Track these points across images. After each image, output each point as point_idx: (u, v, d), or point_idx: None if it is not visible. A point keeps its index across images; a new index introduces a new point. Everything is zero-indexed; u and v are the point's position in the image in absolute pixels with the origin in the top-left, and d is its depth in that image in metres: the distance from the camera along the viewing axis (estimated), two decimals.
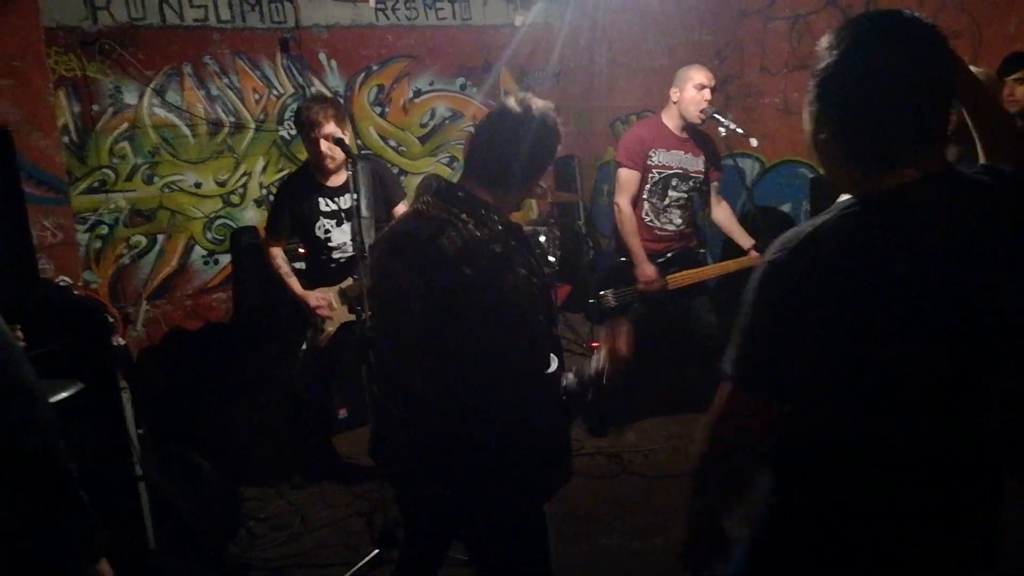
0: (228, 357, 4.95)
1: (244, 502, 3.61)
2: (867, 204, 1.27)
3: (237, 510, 3.47)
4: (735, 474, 1.41)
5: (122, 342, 3.18)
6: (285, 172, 5.54)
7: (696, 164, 4.09)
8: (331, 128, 3.42)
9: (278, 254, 3.71)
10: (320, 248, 3.67)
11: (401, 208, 3.77)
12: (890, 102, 1.24)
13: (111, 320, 3.04)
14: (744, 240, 4.13)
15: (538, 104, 2.00)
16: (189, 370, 5.00)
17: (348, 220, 3.61)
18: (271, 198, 5.54)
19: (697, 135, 4.11)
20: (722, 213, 4.25)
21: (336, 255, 3.68)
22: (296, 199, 3.64)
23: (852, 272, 1.22)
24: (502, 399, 1.82)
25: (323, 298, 3.63)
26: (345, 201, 3.61)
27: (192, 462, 3.36)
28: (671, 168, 4.06)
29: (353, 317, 3.61)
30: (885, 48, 1.24)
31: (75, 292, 3.64)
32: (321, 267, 3.69)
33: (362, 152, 3.15)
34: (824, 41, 1.33)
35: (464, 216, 1.86)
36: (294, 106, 5.54)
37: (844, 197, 1.35)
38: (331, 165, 3.55)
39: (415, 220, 1.92)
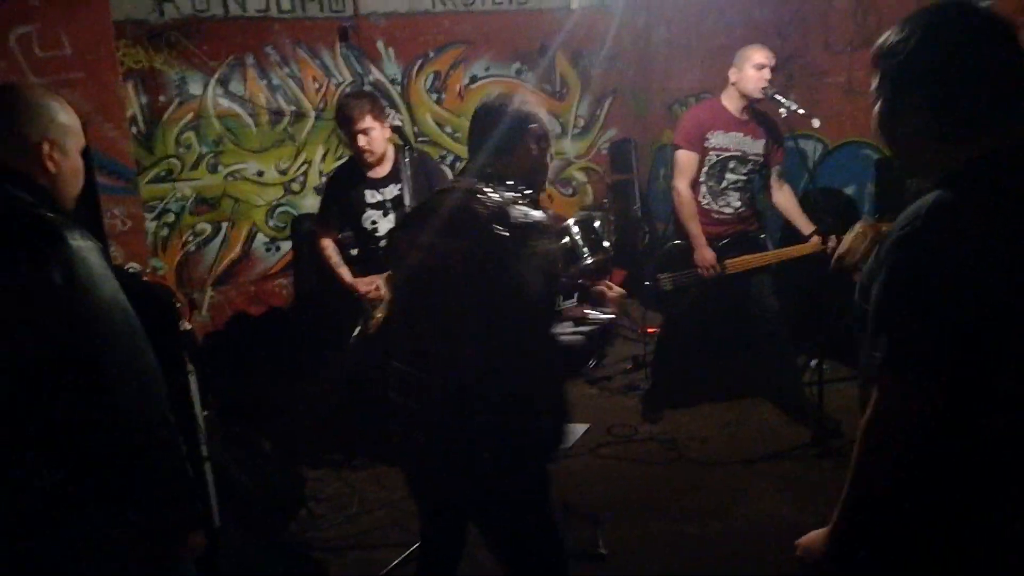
0: (289, 341, 5.07)
1: (305, 482, 3.70)
2: (976, 170, 1.31)
3: (298, 490, 3.56)
4: (901, 466, 1.33)
5: (188, 327, 3.28)
6: (346, 159, 5.64)
7: (756, 147, 4.00)
8: (367, 123, 3.54)
9: (329, 245, 3.83)
10: (368, 238, 3.75)
11: None
12: (983, 74, 1.32)
13: (179, 305, 3.15)
14: (805, 226, 4.03)
15: (517, 97, 2.09)
16: (252, 354, 5.14)
17: (395, 210, 3.70)
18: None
19: (759, 117, 4.02)
20: (783, 197, 4.16)
21: (383, 245, 3.75)
22: (343, 191, 3.74)
23: (989, 236, 1.25)
24: (532, 366, 1.87)
25: (372, 282, 3.71)
26: (390, 191, 3.69)
27: (255, 443, 3.46)
28: (729, 150, 3.99)
29: None
30: (963, 28, 1.35)
31: (144, 278, 3.77)
32: (371, 256, 3.76)
33: (406, 146, 3.26)
34: (895, 34, 1.40)
35: (487, 187, 1.94)
36: None
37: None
38: (370, 159, 3.64)
39: (442, 195, 2.03)
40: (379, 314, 3.73)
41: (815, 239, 3.93)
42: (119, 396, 1.57)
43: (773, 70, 3.88)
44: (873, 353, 1.31)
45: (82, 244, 1.59)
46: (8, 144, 1.64)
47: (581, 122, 6.59)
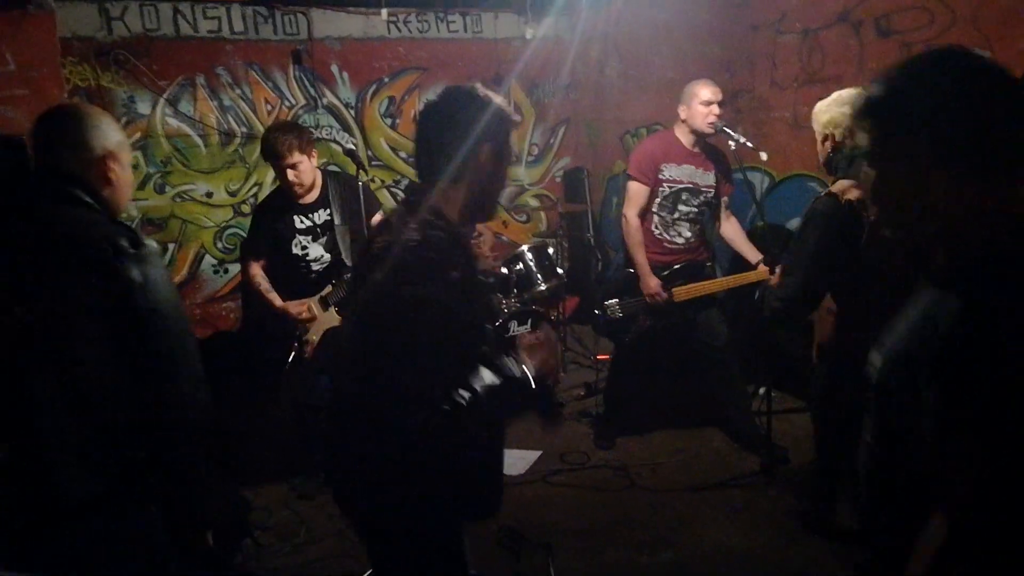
0: (236, 366, 4.96)
1: (250, 511, 3.61)
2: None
3: (243, 519, 3.47)
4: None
5: None
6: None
7: (707, 179, 4.09)
8: (295, 158, 3.59)
9: (258, 272, 3.83)
10: (298, 263, 3.79)
11: (378, 218, 3.88)
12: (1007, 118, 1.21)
13: None
14: (752, 255, 4.12)
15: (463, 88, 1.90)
16: None
17: (323, 235, 3.76)
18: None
19: (709, 149, 4.11)
20: (731, 228, 4.25)
21: (315, 267, 3.80)
22: (272, 219, 3.77)
23: None
24: (428, 407, 1.63)
25: (303, 305, 3.76)
26: (319, 216, 3.76)
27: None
28: (682, 183, 4.06)
29: (335, 322, 3.76)
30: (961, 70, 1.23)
31: None
32: (301, 280, 3.80)
33: (329, 167, 3.28)
34: (897, 84, 1.26)
35: (407, 219, 1.74)
36: (305, 117, 5.57)
37: None
38: (300, 191, 3.69)
39: (376, 229, 1.95)
40: (314, 337, 3.77)
41: (762, 267, 4.02)
42: (183, 383, 1.71)
43: (721, 104, 3.97)
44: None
45: (153, 248, 1.74)
46: (77, 156, 1.79)
47: (535, 150, 6.66)
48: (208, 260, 5.40)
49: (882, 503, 1.36)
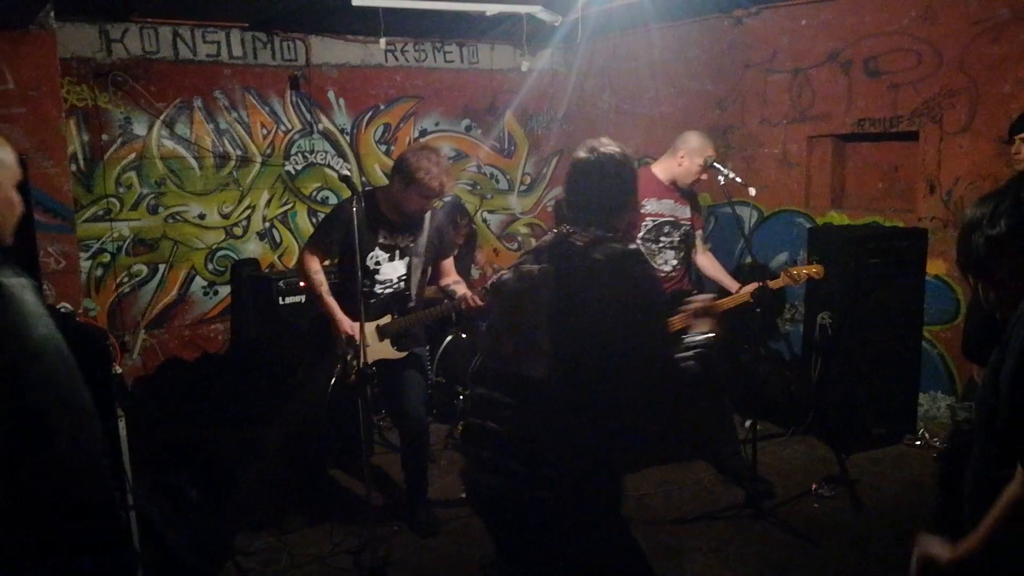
0: (224, 388, 4.95)
1: (233, 535, 3.58)
2: None
3: (226, 543, 3.44)
4: None
5: (118, 370, 3.19)
6: (291, 206, 5.62)
7: (684, 212, 4.17)
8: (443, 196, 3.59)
9: (319, 269, 3.61)
10: (364, 278, 3.47)
11: (449, 264, 3.83)
12: None
13: (110, 347, 3.06)
14: (730, 284, 4.17)
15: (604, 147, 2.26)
16: (184, 400, 5.00)
17: (401, 258, 3.62)
18: (274, 231, 5.60)
19: (682, 187, 4.22)
20: (706, 259, 4.32)
21: (378, 289, 3.63)
22: (358, 223, 3.41)
23: None
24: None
25: (355, 328, 3.43)
26: (404, 240, 3.62)
27: (183, 492, 3.34)
28: (663, 215, 4.14)
29: (388, 354, 3.60)
30: None
31: (77, 319, 3.66)
32: (358, 294, 3.45)
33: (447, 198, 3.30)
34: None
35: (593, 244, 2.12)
36: (301, 141, 5.62)
37: None
38: (414, 216, 3.61)
39: (577, 250, 2.16)
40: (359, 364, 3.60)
41: (744, 290, 4.04)
42: (54, 437, 1.52)
43: (707, 170, 4.11)
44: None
45: (13, 281, 1.54)
46: None
47: (528, 179, 6.72)
48: (198, 281, 5.40)
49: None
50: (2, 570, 1.54)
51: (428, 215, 3.66)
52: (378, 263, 3.62)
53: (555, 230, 2.26)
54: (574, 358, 2.00)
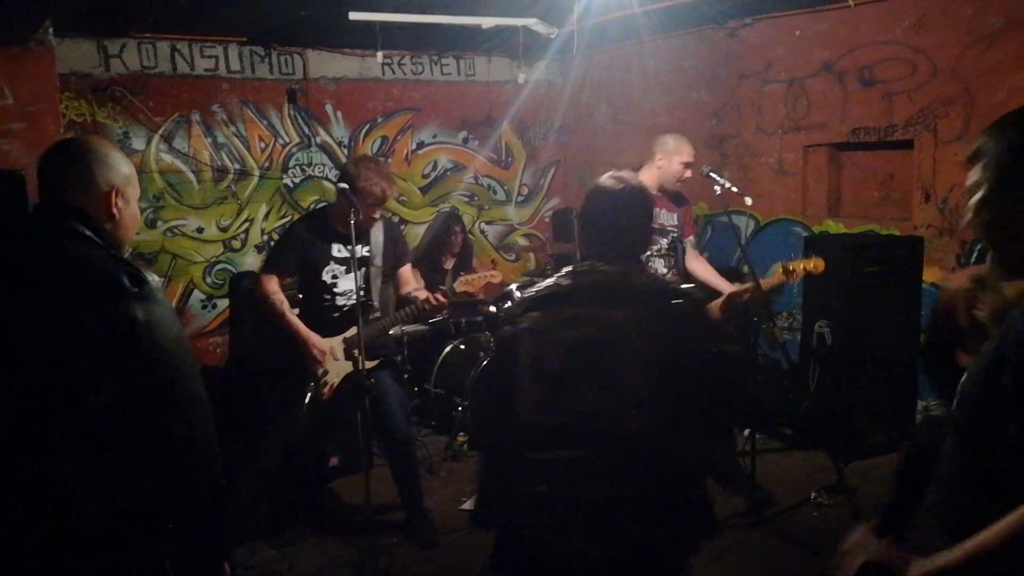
0: (222, 401, 4.93)
1: (232, 549, 3.57)
2: None
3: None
4: None
5: None
6: (288, 219, 5.63)
7: (671, 219, 4.20)
8: (388, 203, 3.61)
9: (277, 289, 3.64)
10: (323, 292, 3.65)
11: (407, 272, 3.86)
12: None
13: None
14: (724, 285, 4.18)
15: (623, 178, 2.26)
16: None
17: (359, 268, 3.60)
18: (272, 244, 5.61)
19: (670, 193, 4.24)
20: (699, 265, 4.34)
21: (340, 301, 3.66)
22: (309, 240, 3.64)
23: None
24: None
25: (323, 344, 3.58)
26: (359, 251, 3.62)
27: None
28: None
29: (349, 369, 3.62)
30: None
31: None
32: (323, 313, 3.66)
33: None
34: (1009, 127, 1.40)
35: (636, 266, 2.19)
36: (299, 155, 5.64)
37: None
38: (370, 226, 3.65)
39: (590, 275, 2.14)
40: (333, 380, 3.62)
41: (734, 287, 4.04)
42: (184, 427, 1.68)
43: (690, 167, 4.13)
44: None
45: (155, 284, 1.71)
46: (82, 190, 1.76)
47: (525, 190, 6.74)
48: (197, 295, 5.41)
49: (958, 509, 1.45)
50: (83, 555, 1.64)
51: (380, 224, 3.72)
52: (335, 276, 3.66)
53: (578, 265, 2.18)
54: (673, 407, 1.94)
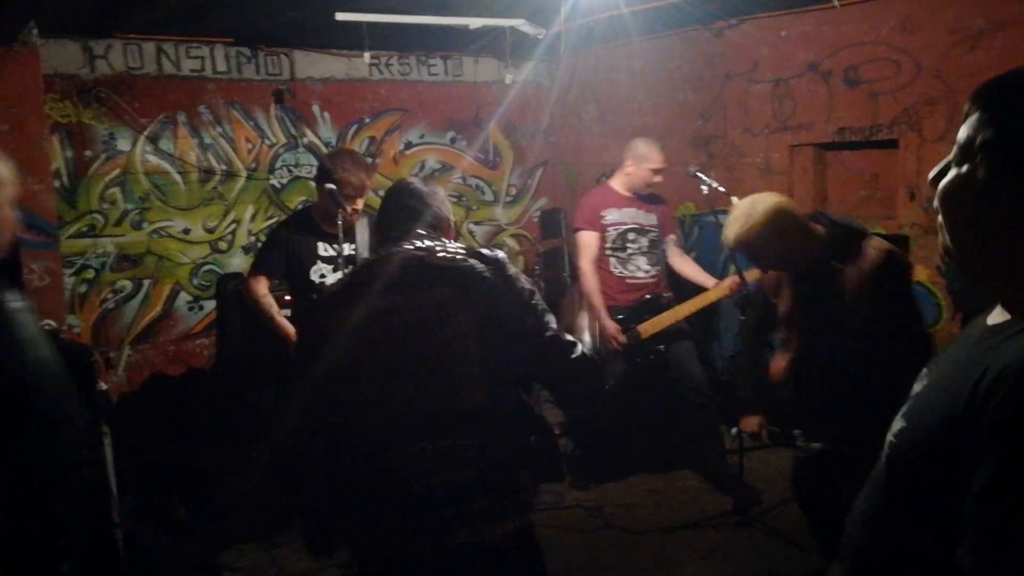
0: (209, 403, 4.92)
1: (220, 551, 3.56)
2: None
3: (213, 560, 3.42)
4: None
5: (103, 387, 3.17)
6: (274, 220, 5.60)
7: (649, 219, 4.26)
8: (367, 192, 3.59)
9: (266, 292, 3.65)
10: (311, 292, 3.63)
11: None
12: None
13: (94, 363, 3.04)
14: (706, 280, 4.23)
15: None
16: (170, 415, 4.97)
17: (346, 266, 3.59)
18: (259, 245, 5.59)
19: (646, 195, 4.30)
20: (682, 262, 4.41)
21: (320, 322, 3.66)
22: (296, 241, 3.65)
23: None
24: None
25: None
26: (345, 249, 3.61)
27: (169, 509, 3.33)
28: (625, 224, 4.23)
29: None
30: None
31: (61, 336, 3.63)
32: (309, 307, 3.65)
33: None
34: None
35: (431, 243, 2.14)
36: (286, 155, 5.62)
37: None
38: (353, 220, 3.64)
39: (388, 258, 2.13)
40: None
41: (722, 284, 4.08)
42: (37, 448, 1.56)
43: (660, 172, 4.18)
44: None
45: (17, 305, 1.57)
46: None
47: (513, 191, 6.74)
48: (183, 297, 5.38)
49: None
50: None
51: (365, 221, 3.71)
52: (323, 275, 3.67)
53: (386, 250, 2.13)
54: (504, 372, 2.00)
